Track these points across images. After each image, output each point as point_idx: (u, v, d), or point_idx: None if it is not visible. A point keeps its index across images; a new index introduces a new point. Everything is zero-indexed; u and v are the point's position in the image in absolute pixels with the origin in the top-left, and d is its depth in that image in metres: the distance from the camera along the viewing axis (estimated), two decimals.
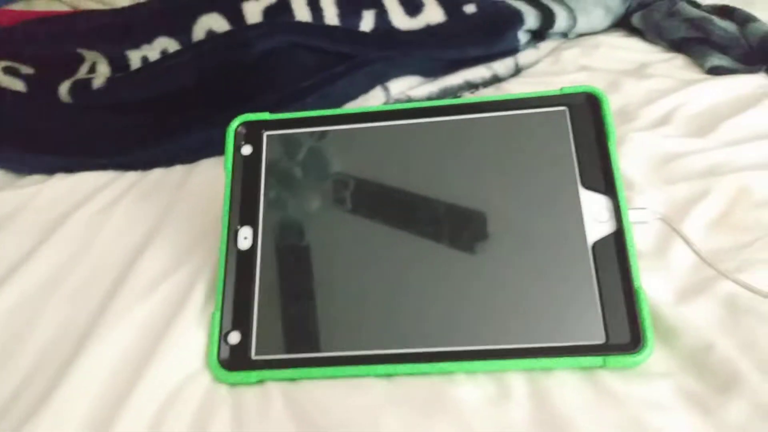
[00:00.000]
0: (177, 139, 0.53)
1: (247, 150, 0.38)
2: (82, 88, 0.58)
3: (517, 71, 0.62)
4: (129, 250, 0.42)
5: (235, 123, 0.39)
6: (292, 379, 0.33)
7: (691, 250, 0.35)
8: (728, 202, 0.41)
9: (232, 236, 0.36)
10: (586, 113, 0.36)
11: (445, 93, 0.57)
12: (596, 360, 0.31)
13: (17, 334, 0.36)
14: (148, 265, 0.40)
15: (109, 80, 0.58)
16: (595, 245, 0.33)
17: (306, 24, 0.58)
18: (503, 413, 0.30)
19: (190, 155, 0.52)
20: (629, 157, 0.46)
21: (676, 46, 0.63)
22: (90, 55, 0.61)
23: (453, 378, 0.32)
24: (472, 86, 0.59)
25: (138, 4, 0.65)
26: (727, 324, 0.32)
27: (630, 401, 0.30)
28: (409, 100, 0.56)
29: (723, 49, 0.59)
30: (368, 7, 0.60)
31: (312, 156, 0.38)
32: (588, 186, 0.34)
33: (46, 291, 0.39)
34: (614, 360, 0.31)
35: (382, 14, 0.60)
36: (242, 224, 0.37)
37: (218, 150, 0.52)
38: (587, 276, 0.33)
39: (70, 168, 0.52)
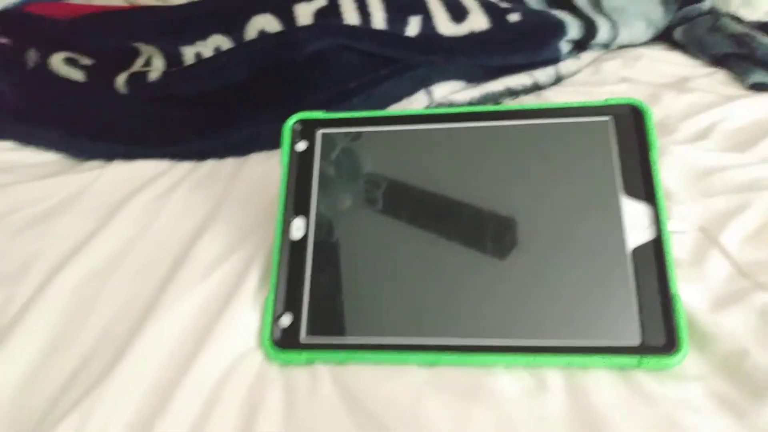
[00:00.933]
0: (228, 133, 0.55)
1: (301, 146, 0.40)
2: (138, 80, 0.61)
3: (558, 80, 0.63)
4: (186, 236, 0.44)
5: (291, 120, 0.41)
6: (340, 362, 0.35)
7: (728, 261, 0.36)
8: (766, 217, 0.41)
9: (286, 226, 0.38)
10: (630, 124, 0.37)
11: (486, 99, 0.59)
12: (632, 360, 0.32)
13: (81, 312, 0.39)
14: (205, 250, 0.42)
15: (164, 74, 0.61)
16: (634, 251, 0.35)
17: (354, 27, 0.60)
18: (540, 405, 0.31)
19: (239, 149, 0.55)
20: (668, 169, 0.47)
21: (718, 61, 0.63)
22: (146, 50, 0.64)
23: (492, 370, 0.34)
24: (513, 93, 0.60)
25: (193, 3, 0.68)
26: (761, 333, 0.33)
27: (663, 401, 0.31)
28: (451, 104, 0.58)
29: (765, 65, 0.60)
30: (415, 13, 0.61)
31: (361, 155, 0.40)
32: (630, 194, 0.36)
33: (108, 271, 0.42)
34: (649, 361, 0.32)
35: (427, 20, 0.61)
36: (296, 215, 0.39)
37: (266, 145, 0.55)
38: (626, 280, 0.34)
39: (128, 155, 0.55)
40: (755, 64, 0.60)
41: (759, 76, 0.58)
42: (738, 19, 0.67)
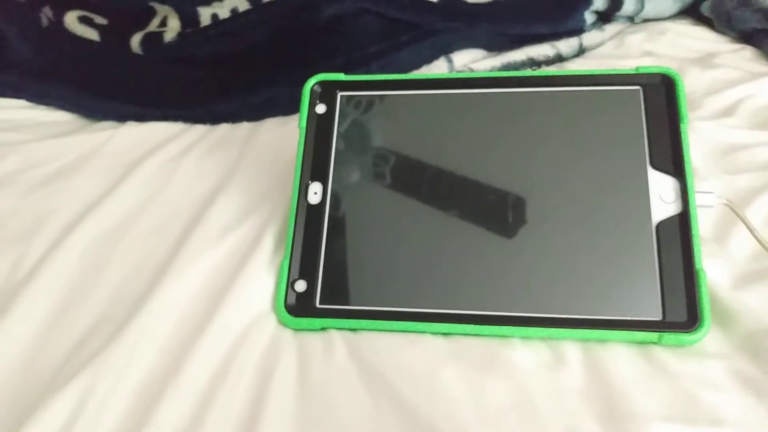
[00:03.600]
0: (243, 96, 0.54)
1: (321, 109, 0.40)
2: (153, 40, 0.60)
3: (581, 52, 0.62)
4: (200, 199, 0.43)
5: (311, 82, 0.40)
6: (354, 329, 0.34)
7: (754, 237, 0.35)
8: None
9: (303, 190, 0.38)
10: (660, 94, 0.36)
11: (507, 68, 0.58)
12: (652, 336, 0.32)
13: (93, 272, 0.39)
14: (219, 213, 0.41)
15: (180, 35, 0.60)
16: (659, 225, 0.34)
17: None
18: (557, 378, 0.31)
19: (255, 112, 0.54)
20: (692, 145, 0.46)
21: (747, 37, 0.61)
22: (162, 9, 0.63)
23: (509, 342, 0.33)
24: (535, 63, 0.59)
25: None
26: None
27: (683, 378, 0.30)
28: (472, 72, 0.56)
29: None
30: None
31: (382, 119, 0.39)
32: (657, 166, 0.35)
33: (121, 231, 0.41)
34: (670, 337, 0.31)
35: None
36: (313, 180, 0.38)
37: (282, 110, 0.54)
38: (649, 254, 0.33)
39: (141, 117, 0.54)
40: None
41: None
42: None
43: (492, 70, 0.57)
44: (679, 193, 0.34)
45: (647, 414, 0.29)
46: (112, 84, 0.57)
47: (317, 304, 0.35)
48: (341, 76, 0.40)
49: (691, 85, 0.55)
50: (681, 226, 0.33)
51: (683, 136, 0.35)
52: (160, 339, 0.34)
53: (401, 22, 0.57)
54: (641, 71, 0.37)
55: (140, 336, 0.34)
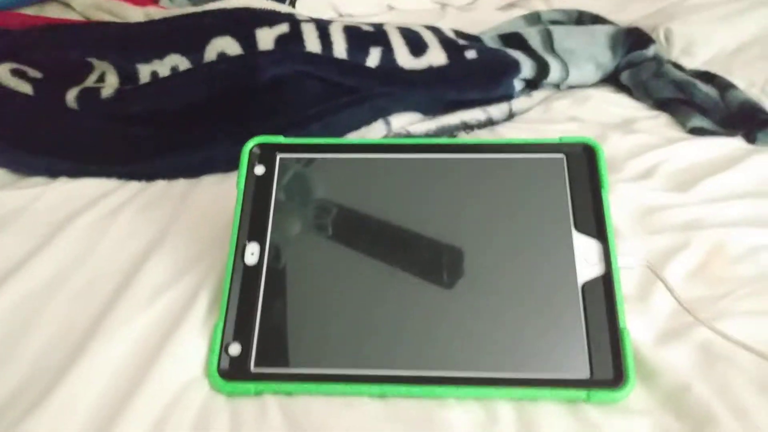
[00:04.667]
0: (181, 155, 0.54)
1: (260, 170, 0.40)
2: (90, 96, 0.59)
3: (511, 116, 0.65)
4: (132, 258, 0.42)
5: (250, 143, 0.40)
6: (290, 393, 0.34)
7: (672, 297, 0.37)
8: (706, 255, 0.43)
9: (240, 251, 0.38)
10: (582, 162, 0.39)
11: (442, 131, 0.60)
12: (580, 393, 0.33)
13: (16, 336, 0.37)
14: (151, 274, 0.41)
15: (118, 91, 0.59)
16: (584, 285, 0.35)
17: (315, 54, 0.60)
18: None
19: (192, 171, 0.54)
20: (614, 206, 0.48)
21: (661, 105, 0.66)
22: (100, 65, 0.63)
23: (444, 402, 0.33)
24: (468, 127, 0.61)
25: (152, 21, 0.67)
26: (702, 368, 0.34)
27: None
28: (409, 134, 0.58)
29: (704, 111, 0.63)
30: (375, 44, 0.62)
31: (317, 182, 0.40)
32: (581, 230, 0.37)
33: (47, 294, 0.40)
34: (598, 394, 0.33)
35: (388, 52, 0.62)
36: (250, 240, 0.38)
37: (220, 167, 0.54)
38: (576, 314, 0.35)
39: (73, 173, 0.53)
40: (695, 109, 0.63)
41: (698, 121, 0.61)
42: (680, 67, 0.71)
43: (427, 132, 0.59)
44: (602, 255, 0.36)
45: None
46: (44, 139, 0.56)
47: (252, 368, 0.35)
48: (281, 139, 0.41)
49: (613, 148, 0.58)
50: (605, 287, 0.35)
51: (605, 201, 0.37)
52: (86, 408, 0.32)
53: (341, 86, 0.58)
54: (564, 141, 0.39)
55: (64, 405, 0.32)
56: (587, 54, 0.70)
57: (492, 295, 0.35)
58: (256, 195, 0.39)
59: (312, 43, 0.61)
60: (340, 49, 0.61)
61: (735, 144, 0.58)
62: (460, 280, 0.36)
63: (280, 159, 0.40)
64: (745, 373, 0.34)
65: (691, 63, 0.73)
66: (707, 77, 0.69)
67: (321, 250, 0.38)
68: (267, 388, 0.34)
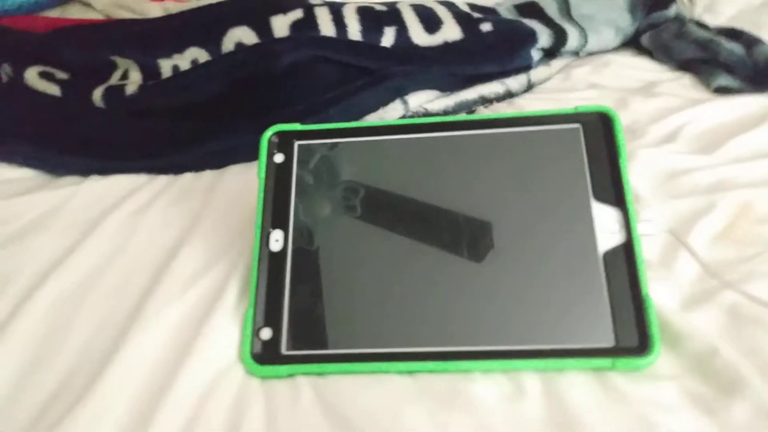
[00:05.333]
0: (205, 146, 0.55)
1: (279, 158, 0.41)
2: (115, 94, 0.61)
3: (530, 87, 0.64)
4: (163, 251, 0.44)
5: (268, 133, 0.41)
6: (321, 374, 0.35)
7: (696, 261, 0.37)
8: (732, 217, 0.43)
9: (265, 238, 0.39)
10: (599, 131, 0.38)
11: (460, 107, 0.60)
12: (606, 362, 0.33)
13: (57, 331, 0.38)
14: (183, 265, 0.42)
15: (142, 87, 0.61)
16: (605, 255, 0.35)
17: (330, 38, 0.61)
18: (517, 409, 0.32)
19: (217, 161, 0.55)
20: (637, 172, 0.48)
21: (684, 66, 0.65)
22: (123, 63, 0.64)
23: (471, 376, 0.34)
24: (486, 101, 0.61)
25: (170, 15, 0.68)
26: (730, 331, 0.34)
27: (638, 402, 0.32)
28: (427, 113, 0.59)
29: (729, 69, 0.62)
30: (389, 24, 0.62)
31: (339, 165, 0.40)
32: (600, 199, 0.37)
33: (85, 289, 0.42)
34: (623, 362, 0.33)
35: (402, 31, 0.62)
36: (274, 227, 0.39)
37: (244, 157, 0.55)
38: (598, 283, 0.35)
39: (104, 170, 0.55)
40: (719, 68, 0.62)
41: (723, 80, 0.60)
42: (702, 25, 0.69)
43: (445, 109, 0.59)
44: (623, 223, 0.36)
45: None
46: (74, 139, 0.58)
47: (283, 351, 0.36)
48: (297, 126, 0.41)
49: (634, 113, 0.58)
50: (626, 255, 0.35)
51: (623, 169, 0.37)
52: (127, 396, 0.34)
53: (357, 68, 0.59)
54: (580, 110, 0.39)
55: (107, 394, 0.34)
56: (606, 19, 0.69)
57: (515, 268, 0.36)
58: (277, 183, 0.40)
59: (326, 26, 0.61)
60: (354, 31, 0.61)
61: (762, 101, 0.57)
62: (483, 256, 0.36)
63: (299, 146, 0.41)
64: None
65: (715, 20, 0.71)
66: (733, 34, 0.67)
67: (343, 232, 0.38)
68: (298, 369, 0.35)
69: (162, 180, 0.54)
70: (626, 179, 0.37)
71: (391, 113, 0.58)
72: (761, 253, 0.39)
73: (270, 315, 0.37)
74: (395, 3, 0.66)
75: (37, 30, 0.70)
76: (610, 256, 0.35)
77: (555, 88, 0.64)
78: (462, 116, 0.40)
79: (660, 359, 0.33)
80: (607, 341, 0.34)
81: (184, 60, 0.63)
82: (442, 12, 0.65)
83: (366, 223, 0.38)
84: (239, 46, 0.61)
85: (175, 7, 0.75)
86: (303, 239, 0.39)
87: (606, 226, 0.36)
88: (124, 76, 0.64)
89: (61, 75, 0.64)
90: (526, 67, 0.64)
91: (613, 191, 0.37)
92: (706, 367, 0.33)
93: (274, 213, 0.40)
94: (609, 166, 0.37)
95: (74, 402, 0.33)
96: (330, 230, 0.39)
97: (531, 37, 0.64)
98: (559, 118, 0.39)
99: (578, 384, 0.33)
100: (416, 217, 0.38)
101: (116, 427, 0.32)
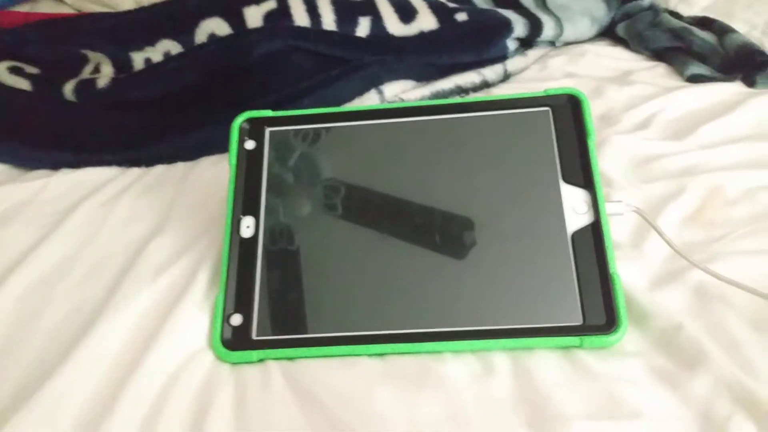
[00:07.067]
0: (178, 137, 0.55)
1: (250, 145, 0.41)
2: (86, 87, 0.60)
3: (506, 77, 0.65)
4: (134, 241, 0.44)
5: (239, 119, 0.41)
6: (291, 358, 0.35)
7: (664, 241, 0.37)
8: (702, 200, 0.43)
9: (236, 225, 0.39)
10: (568, 113, 0.39)
11: (436, 96, 0.60)
12: (574, 340, 0.33)
13: (26, 321, 0.38)
14: (154, 254, 0.42)
15: (114, 80, 0.60)
16: (574, 235, 0.36)
17: (304, 29, 0.60)
18: (487, 388, 0.32)
19: (190, 153, 0.55)
20: (610, 158, 0.48)
21: (659, 55, 0.65)
22: (94, 56, 0.64)
23: (441, 357, 0.34)
24: (462, 90, 0.61)
25: (141, 8, 0.67)
26: (696, 308, 0.35)
27: (605, 378, 0.32)
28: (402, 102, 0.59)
29: (702, 58, 0.62)
30: (364, 14, 0.62)
31: (310, 152, 0.40)
32: (568, 180, 0.37)
33: (54, 279, 0.41)
34: (590, 340, 0.33)
35: (377, 21, 0.62)
36: (245, 214, 0.39)
37: (218, 149, 0.55)
38: (566, 263, 0.35)
39: (75, 163, 0.54)
40: (693, 56, 0.63)
41: (695, 68, 0.60)
42: (676, 15, 0.70)
43: (422, 99, 0.59)
44: (591, 204, 0.36)
45: (571, 414, 0.30)
46: (44, 132, 0.57)
47: (253, 337, 0.36)
48: (268, 113, 0.41)
49: (609, 101, 0.58)
50: (594, 235, 0.35)
51: (591, 150, 0.37)
52: (94, 380, 0.33)
53: (332, 58, 0.59)
54: (549, 93, 0.39)
55: (72, 378, 0.33)
56: (581, 8, 0.69)
57: (483, 249, 0.36)
58: (248, 170, 0.40)
59: (300, 17, 0.61)
60: (328, 20, 0.61)
61: (734, 89, 0.57)
62: (451, 238, 0.36)
63: (270, 132, 0.41)
64: (739, 312, 0.34)
65: (690, 10, 0.72)
66: (705, 23, 0.68)
67: (315, 219, 0.38)
68: (269, 354, 0.35)
69: (134, 172, 0.53)
70: (594, 161, 0.37)
71: (367, 103, 0.57)
72: (728, 234, 0.40)
73: (240, 301, 0.37)
74: None
75: (7, 25, 0.69)
76: (578, 236, 0.36)
77: (531, 78, 0.65)
78: (432, 101, 0.40)
79: (627, 337, 0.34)
80: (575, 319, 0.34)
81: (156, 52, 0.62)
82: (417, 2, 0.65)
83: (337, 210, 0.38)
84: (212, 37, 0.60)
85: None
86: (274, 226, 0.38)
87: (574, 207, 0.36)
88: (96, 69, 0.63)
89: (31, 69, 0.63)
90: (502, 57, 0.64)
91: (582, 173, 0.37)
92: (671, 342, 0.33)
93: (246, 199, 0.39)
94: (578, 148, 0.38)
95: (36, 388, 0.33)
96: (300, 217, 0.38)
97: (506, 26, 0.64)
98: (529, 102, 0.39)
99: (547, 362, 0.33)
100: (380, 203, 0.38)
101: (80, 410, 0.32)
